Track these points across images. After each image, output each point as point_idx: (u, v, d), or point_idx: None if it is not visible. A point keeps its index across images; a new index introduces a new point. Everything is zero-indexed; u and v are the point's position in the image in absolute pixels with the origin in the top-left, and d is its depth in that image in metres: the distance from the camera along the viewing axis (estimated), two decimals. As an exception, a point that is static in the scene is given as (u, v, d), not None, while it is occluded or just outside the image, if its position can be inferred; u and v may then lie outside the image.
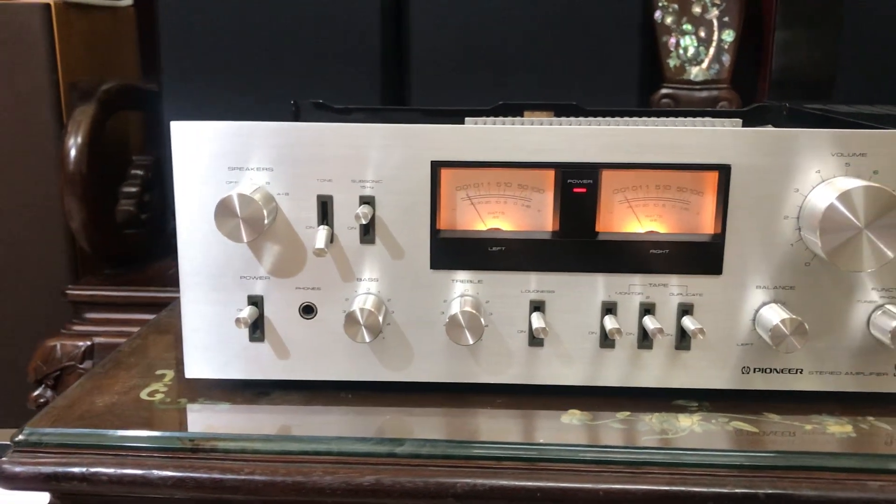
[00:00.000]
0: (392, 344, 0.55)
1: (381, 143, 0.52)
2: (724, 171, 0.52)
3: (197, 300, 0.55)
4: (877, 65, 0.98)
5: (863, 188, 0.49)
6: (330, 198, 0.53)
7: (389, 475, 0.48)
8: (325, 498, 0.48)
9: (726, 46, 1.17)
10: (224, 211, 0.51)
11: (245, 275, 0.54)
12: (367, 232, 0.54)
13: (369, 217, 0.53)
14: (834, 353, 0.54)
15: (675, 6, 1.17)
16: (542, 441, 0.50)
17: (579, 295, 0.54)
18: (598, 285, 0.54)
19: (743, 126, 0.68)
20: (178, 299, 0.56)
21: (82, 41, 1.20)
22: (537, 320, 0.53)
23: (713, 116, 0.71)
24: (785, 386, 0.55)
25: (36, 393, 1.10)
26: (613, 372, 0.55)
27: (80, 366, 1.09)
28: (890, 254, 0.49)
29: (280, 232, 0.54)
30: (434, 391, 0.56)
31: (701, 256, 0.53)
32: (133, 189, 1.19)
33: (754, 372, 0.55)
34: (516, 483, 0.48)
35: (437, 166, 0.53)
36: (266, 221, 0.51)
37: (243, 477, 0.48)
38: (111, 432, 0.51)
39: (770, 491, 0.47)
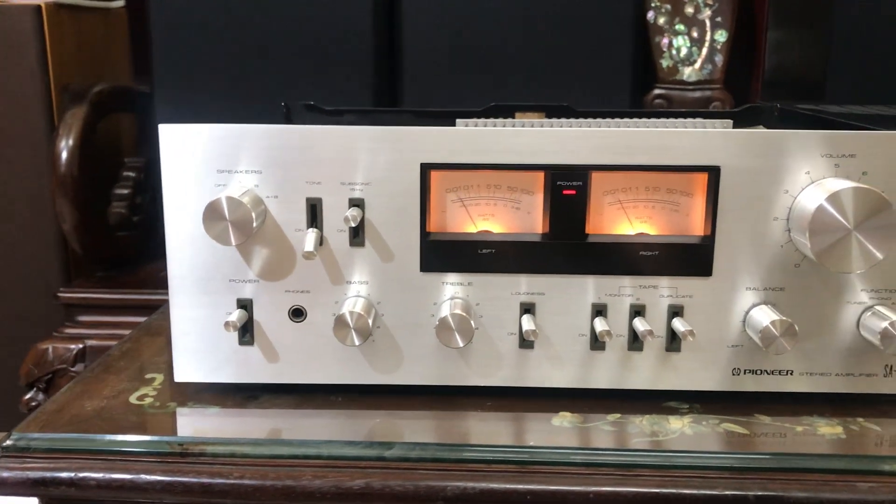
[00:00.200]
0: (382, 347, 0.55)
1: (371, 145, 0.52)
2: (713, 172, 0.52)
3: (186, 304, 0.54)
4: (868, 65, 0.99)
5: (852, 189, 0.49)
6: (319, 200, 0.53)
7: (379, 479, 0.48)
8: (314, 502, 0.48)
9: (719, 47, 1.17)
10: (212, 214, 0.51)
11: (234, 278, 0.54)
12: (357, 234, 0.53)
13: (359, 220, 0.52)
14: (824, 354, 0.54)
15: (668, 7, 1.17)
16: (532, 444, 0.50)
17: (569, 297, 0.54)
18: (589, 287, 0.54)
19: (734, 127, 0.68)
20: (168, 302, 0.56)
21: (74, 43, 1.20)
22: (527, 322, 0.53)
23: (704, 117, 0.71)
24: (775, 387, 0.55)
25: (28, 396, 1.10)
26: (604, 374, 0.55)
27: (73, 369, 1.09)
28: (879, 255, 0.49)
29: (269, 235, 0.53)
30: (424, 394, 0.56)
31: (691, 258, 0.53)
32: (125, 191, 1.19)
33: (745, 373, 0.55)
34: (507, 486, 0.48)
35: (426, 168, 0.53)
36: (255, 224, 0.51)
37: (232, 481, 0.48)
38: (100, 437, 0.51)
39: (760, 493, 0.47)
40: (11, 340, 1.18)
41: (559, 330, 0.55)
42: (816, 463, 0.49)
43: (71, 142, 1.08)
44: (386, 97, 1.14)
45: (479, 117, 0.72)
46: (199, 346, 0.55)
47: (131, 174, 1.20)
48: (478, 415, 0.54)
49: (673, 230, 0.54)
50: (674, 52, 1.18)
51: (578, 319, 0.54)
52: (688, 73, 1.18)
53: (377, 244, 0.54)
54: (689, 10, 1.17)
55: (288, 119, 0.73)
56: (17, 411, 1.10)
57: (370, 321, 0.52)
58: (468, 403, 0.55)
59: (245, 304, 0.54)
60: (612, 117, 0.71)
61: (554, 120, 0.72)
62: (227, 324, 0.53)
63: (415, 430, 0.53)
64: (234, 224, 0.51)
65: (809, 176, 0.52)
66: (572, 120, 0.71)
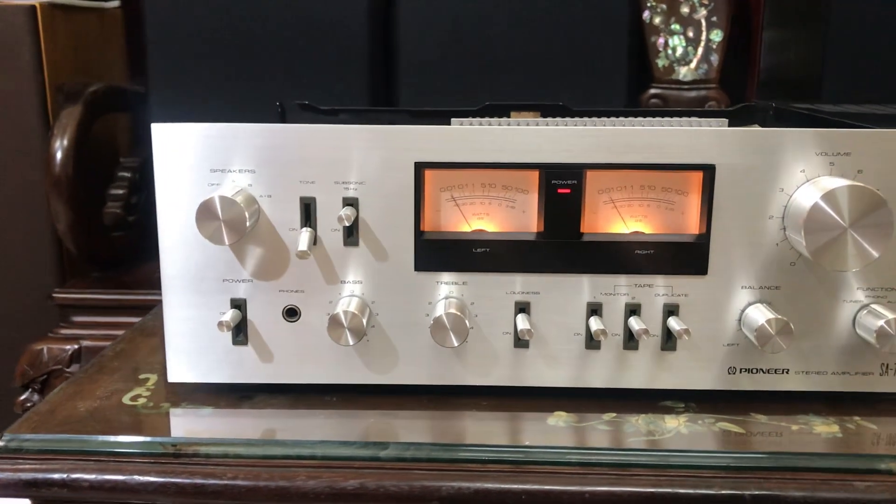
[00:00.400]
0: (376, 346, 0.55)
1: (365, 144, 0.52)
2: (708, 171, 0.52)
3: (179, 304, 0.54)
4: (863, 64, 0.99)
5: (847, 187, 0.49)
6: (313, 200, 0.53)
7: (374, 479, 0.48)
8: (308, 502, 0.48)
9: (714, 46, 1.17)
10: (205, 213, 0.50)
11: (228, 278, 0.54)
12: (351, 234, 0.53)
13: (353, 219, 0.52)
14: (820, 352, 0.54)
15: (664, 6, 1.17)
16: (527, 443, 0.50)
17: (564, 296, 0.54)
18: (584, 286, 0.54)
19: (729, 126, 0.68)
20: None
21: (68, 43, 1.19)
22: (522, 322, 0.53)
23: (700, 116, 0.71)
24: (771, 386, 0.55)
25: (23, 397, 1.09)
26: (599, 373, 0.55)
27: (68, 370, 1.09)
28: (874, 253, 0.49)
29: (263, 234, 0.53)
30: (419, 394, 0.56)
31: (686, 257, 0.53)
32: (120, 191, 1.18)
33: (740, 372, 0.55)
34: (502, 486, 0.47)
35: (420, 167, 0.52)
36: (248, 224, 0.51)
37: (226, 482, 0.48)
38: (92, 438, 0.50)
39: (756, 492, 0.46)
40: (6, 341, 1.17)
41: (554, 329, 0.54)
42: (813, 462, 0.48)
43: (66, 142, 1.07)
44: (381, 97, 1.14)
45: (474, 116, 0.71)
46: (192, 347, 0.55)
47: (126, 174, 1.20)
48: (473, 414, 0.54)
49: (668, 229, 0.54)
50: (669, 51, 1.18)
51: (573, 318, 0.54)
52: (683, 72, 1.18)
53: (371, 243, 0.53)
54: (685, 9, 1.17)
55: (283, 119, 0.73)
56: (12, 412, 1.09)
57: (364, 321, 0.52)
58: (463, 403, 0.55)
59: (239, 304, 0.54)
60: (608, 116, 0.71)
61: (549, 119, 0.71)
62: (220, 324, 0.53)
63: (409, 429, 0.53)
64: (228, 223, 0.50)
65: (804, 174, 0.51)
66: (567, 119, 0.71)
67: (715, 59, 1.17)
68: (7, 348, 1.16)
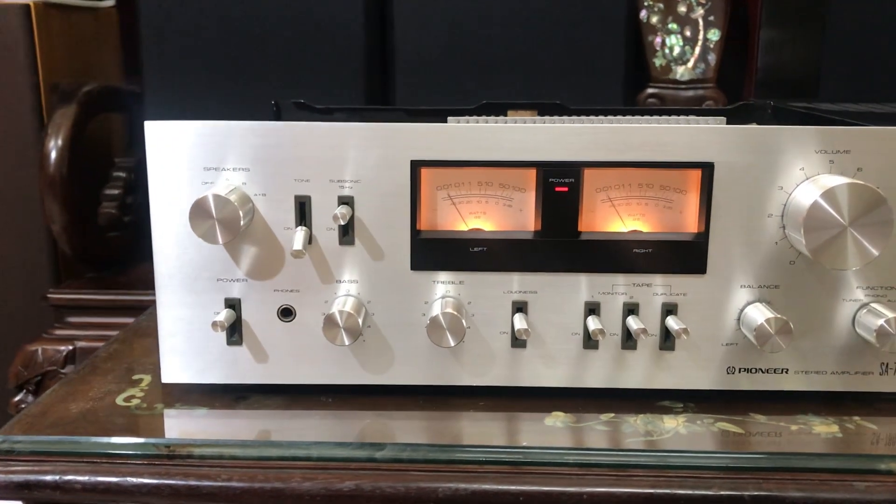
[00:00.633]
0: (372, 346, 0.54)
1: (360, 142, 0.51)
2: (707, 169, 0.51)
3: (173, 303, 0.54)
4: (861, 63, 0.98)
5: (847, 185, 0.48)
6: (308, 198, 0.52)
7: (370, 480, 0.47)
8: (303, 504, 0.47)
9: (712, 45, 1.16)
10: (199, 212, 0.50)
11: (222, 277, 0.53)
12: (347, 233, 0.53)
13: (348, 218, 0.52)
14: (819, 352, 0.54)
15: (661, 5, 1.17)
16: (525, 444, 0.50)
17: (562, 295, 0.53)
18: (581, 285, 0.53)
19: (727, 124, 0.67)
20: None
21: (63, 42, 1.19)
22: (520, 321, 0.52)
23: (697, 115, 0.70)
24: (770, 386, 0.54)
25: (17, 398, 1.09)
26: (597, 373, 0.54)
27: (62, 370, 1.08)
28: (874, 251, 0.49)
29: (257, 233, 0.53)
30: (415, 394, 0.55)
31: (685, 255, 0.53)
32: (115, 191, 1.18)
33: (739, 372, 0.54)
34: (499, 487, 0.47)
35: (416, 166, 0.52)
36: (242, 223, 0.50)
37: (220, 483, 0.47)
38: (85, 439, 0.50)
39: (756, 493, 0.46)
40: (0, 342, 1.17)
41: (552, 329, 0.54)
42: (812, 462, 0.48)
43: (60, 142, 1.07)
44: (378, 96, 1.14)
45: (471, 115, 0.71)
46: (186, 347, 0.54)
47: (121, 174, 1.19)
48: (470, 415, 0.53)
49: (666, 227, 0.53)
50: (667, 50, 1.17)
51: (571, 318, 0.54)
52: (681, 71, 1.18)
53: (367, 242, 0.53)
54: (682, 8, 1.17)
55: (278, 117, 0.72)
56: (7, 413, 1.09)
57: (360, 320, 0.52)
58: (460, 403, 0.54)
59: (233, 304, 0.54)
60: (605, 115, 0.71)
61: (546, 117, 0.71)
62: (214, 324, 0.52)
63: (406, 430, 0.52)
64: (222, 222, 0.50)
65: (804, 172, 0.51)
66: (565, 118, 0.71)
67: (712, 58, 1.17)
68: (1, 349, 1.15)
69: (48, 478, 0.48)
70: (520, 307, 0.54)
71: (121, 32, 1.33)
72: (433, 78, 1.12)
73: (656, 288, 0.53)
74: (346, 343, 0.52)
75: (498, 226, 0.54)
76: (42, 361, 1.08)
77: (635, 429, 0.51)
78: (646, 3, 1.17)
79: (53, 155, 1.06)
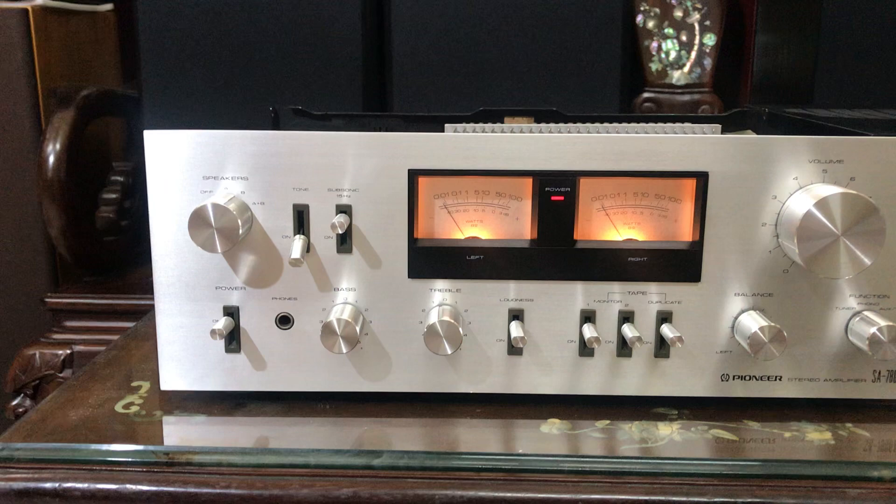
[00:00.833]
0: (370, 354, 0.55)
1: (358, 151, 0.52)
2: (701, 178, 0.52)
3: (172, 311, 0.54)
4: (856, 69, 0.99)
5: (840, 195, 0.49)
6: (306, 207, 0.53)
7: (367, 488, 0.47)
8: (301, 511, 0.47)
9: (707, 50, 1.17)
10: (198, 221, 0.50)
11: (220, 285, 0.54)
12: (344, 241, 0.53)
13: (346, 226, 0.52)
14: (813, 359, 0.54)
15: (657, 10, 1.17)
16: (521, 451, 0.50)
17: (558, 303, 0.54)
18: (577, 293, 0.54)
19: (723, 131, 0.68)
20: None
21: (61, 47, 1.19)
22: (516, 329, 0.53)
23: (693, 121, 0.71)
24: (764, 393, 0.55)
25: (14, 402, 1.09)
26: (593, 380, 0.55)
27: (60, 375, 1.08)
28: (867, 261, 0.49)
29: (256, 242, 0.53)
30: (412, 401, 0.56)
31: (679, 264, 0.53)
32: (113, 195, 1.18)
33: (733, 379, 0.55)
34: (496, 494, 0.47)
35: (414, 174, 0.52)
36: (241, 231, 0.51)
37: (219, 490, 0.48)
38: (84, 446, 0.50)
39: (749, 499, 0.47)
40: (-2, 346, 1.17)
41: (548, 336, 0.54)
42: (806, 469, 0.48)
43: (58, 146, 1.07)
44: (375, 101, 1.14)
45: (468, 122, 0.71)
46: (185, 354, 0.55)
47: (119, 178, 1.19)
48: (466, 422, 0.54)
49: (661, 236, 0.54)
50: (662, 55, 1.18)
51: (567, 326, 0.54)
52: (677, 76, 1.18)
53: (365, 251, 0.53)
54: (678, 13, 1.17)
55: (276, 123, 0.73)
56: (4, 418, 1.09)
57: (358, 328, 0.52)
58: (457, 411, 0.55)
59: (232, 312, 0.54)
60: (601, 122, 0.71)
61: (543, 125, 0.71)
62: (213, 331, 0.52)
63: (403, 437, 0.52)
64: (220, 231, 0.50)
65: (797, 181, 0.51)
66: (561, 125, 0.71)
67: (708, 63, 1.17)
68: (-1, 353, 1.15)
69: (48, 485, 0.48)
70: (516, 315, 0.54)
71: (119, 37, 1.33)
72: (430, 83, 1.13)
73: (651, 296, 0.54)
74: (344, 351, 0.52)
75: (494, 234, 0.54)
76: (40, 365, 1.08)
77: (630, 436, 0.52)
78: (642, 8, 1.17)
79: (51, 159, 1.07)
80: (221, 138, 0.52)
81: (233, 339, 0.54)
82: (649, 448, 0.50)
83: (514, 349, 0.54)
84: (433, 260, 0.54)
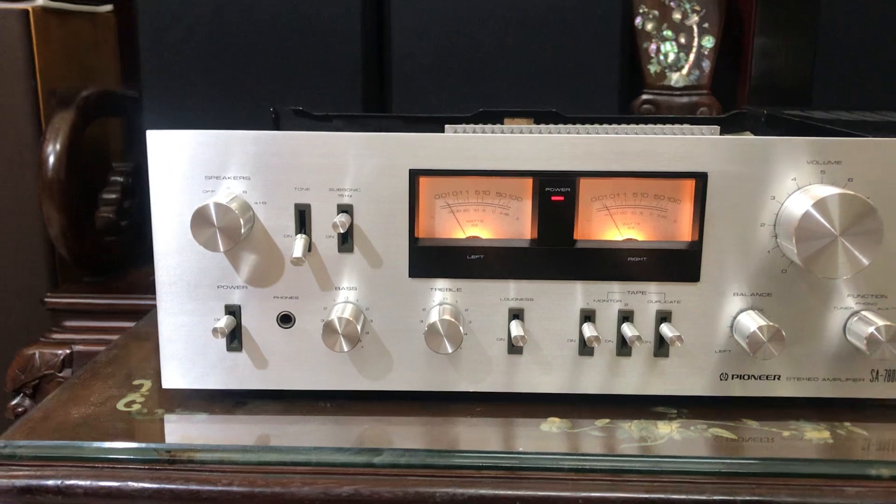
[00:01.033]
0: (371, 353, 0.55)
1: (359, 151, 0.52)
2: (701, 178, 0.52)
3: (173, 310, 0.54)
4: (854, 71, 0.99)
5: (838, 196, 0.49)
6: (308, 206, 0.53)
7: (368, 485, 0.48)
8: (303, 509, 0.48)
9: (706, 53, 1.17)
10: (200, 220, 0.50)
11: (222, 284, 0.54)
12: (346, 240, 0.53)
13: (347, 226, 0.52)
14: (811, 359, 0.55)
15: (656, 13, 1.18)
16: (521, 449, 0.50)
17: (558, 303, 0.54)
18: (577, 293, 0.54)
19: (721, 133, 0.68)
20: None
21: (61, 47, 1.19)
22: (516, 328, 0.53)
23: (692, 123, 0.71)
24: (763, 392, 0.55)
25: (14, 402, 1.09)
26: (592, 379, 0.55)
27: (59, 374, 1.08)
28: (865, 261, 0.50)
29: (257, 241, 0.53)
30: (413, 400, 0.56)
31: (678, 264, 0.53)
32: (113, 196, 1.18)
33: (732, 378, 0.55)
34: (496, 492, 0.48)
35: (415, 174, 0.53)
36: (243, 230, 0.51)
37: (221, 488, 0.48)
38: (86, 444, 0.50)
39: (748, 497, 0.47)
40: (-3, 346, 1.17)
41: (548, 335, 0.55)
42: (804, 468, 0.49)
43: (58, 146, 1.07)
44: (375, 102, 1.14)
45: (468, 123, 0.72)
46: (186, 353, 0.55)
47: (119, 179, 1.19)
48: (467, 420, 0.54)
49: (661, 236, 0.54)
50: (661, 57, 1.18)
51: (567, 325, 0.54)
52: (675, 78, 1.19)
53: (366, 250, 0.54)
54: (677, 16, 1.18)
55: (277, 124, 0.73)
56: (4, 417, 1.09)
57: (359, 327, 0.52)
58: (457, 409, 0.55)
59: (233, 311, 0.54)
60: (600, 123, 0.71)
61: (542, 126, 0.72)
62: (215, 330, 0.53)
63: (404, 436, 0.53)
64: (223, 230, 0.51)
65: (796, 182, 0.52)
66: (560, 126, 0.71)
67: (706, 65, 1.18)
68: (-2, 353, 1.15)
69: (50, 482, 0.48)
70: (516, 314, 0.54)
71: (119, 37, 1.34)
72: (430, 84, 1.13)
73: (651, 295, 0.54)
74: (345, 349, 0.52)
75: (495, 234, 0.54)
76: (39, 365, 1.09)
77: (630, 434, 0.52)
78: (641, 11, 1.18)
79: (51, 159, 1.07)
80: (223, 138, 0.52)
81: (234, 338, 0.55)
82: (649, 447, 0.51)
83: (514, 348, 0.55)
84: (434, 259, 0.54)
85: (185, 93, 1.11)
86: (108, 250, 1.17)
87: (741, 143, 0.52)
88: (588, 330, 0.53)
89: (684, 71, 1.18)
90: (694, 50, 1.18)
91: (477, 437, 0.52)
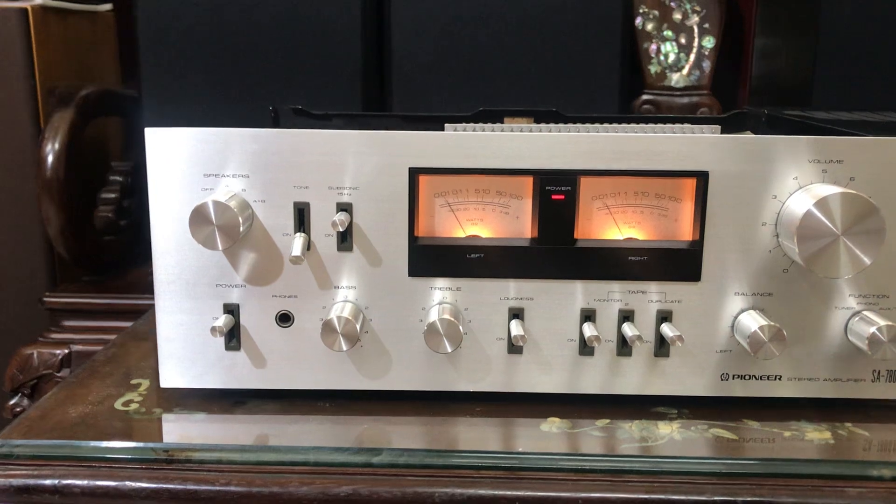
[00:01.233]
0: (370, 352, 0.55)
1: (359, 149, 0.52)
2: (702, 177, 0.52)
3: (172, 308, 0.54)
4: (855, 72, 0.99)
5: (840, 195, 0.49)
6: (307, 205, 0.53)
7: (367, 485, 0.47)
8: (301, 509, 0.47)
9: (706, 53, 1.17)
10: (199, 218, 0.50)
11: (221, 283, 0.54)
12: (345, 239, 0.53)
13: (347, 224, 0.52)
14: (812, 359, 0.54)
15: (656, 13, 1.17)
16: (521, 449, 0.50)
17: (558, 302, 0.54)
18: (577, 292, 0.54)
19: (722, 132, 0.68)
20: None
21: (61, 46, 1.19)
22: (516, 328, 0.53)
23: (692, 123, 0.71)
24: (764, 392, 0.55)
25: (12, 402, 1.09)
26: (593, 379, 0.55)
27: (58, 374, 1.08)
28: (867, 260, 0.49)
29: (256, 239, 0.53)
30: (412, 399, 0.56)
31: (679, 263, 0.53)
32: (112, 195, 1.18)
33: (733, 378, 0.55)
34: (495, 492, 0.47)
35: (415, 173, 0.52)
36: (241, 229, 0.51)
37: (219, 488, 0.48)
38: (84, 443, 0.50)
39: (749, 498, 0.47)
40: (-5, 346, 1.17)
41: (548, 335, 0.54)
42: (805, 468, 0.49)
43: (57, 145, 1.07)
44: (375, 101, 1.14)
45: (467, 122, 0.71)
46: (185, 352, 0.55)
47: (118, 178, 1.19)
48: (466, 420, 0.54)
49: (661, 235, 0.54)
50: (662, 57, 1.18)
51: (567, 324, 0.54)
52: (676, 78, 1.18)
53: (365, 249, 0.53)
54: (677, 16, 1.17)
55: (276, 123, 0.73)
56: (2, 417, 1.09)
57: (358, 326, 0.52)
58: (456, 409, 0.55)
59: (232, 309, 0.54)
60: (601, 122, 0.71)
61: (542, 125, 0.71)
62: (213, 329, 0.52)
63: (403, 436, 0.52)
64: (221, 228, 0.50)
65: (797, 181, 0.52)
66: (561, 125, 0.71)
67: (707, 65, 1.17)
68: (-4, 352, 1.15)
69: (47, 482, 0.48)
70: (516, 314, 0.54)
71: (118, 36, 1.33)
72: (429, 83, 1.13)
73: (651, 295, 0.54)
74: (344, 349, 0.52)
75: (495, 233, 0.54)
76: (38, 365, 1.08)
77: (630, 434, 0.52)
78: (641, 11, 1.17)
79: (50, 158, 1.06)
80: (223, 136, 0.52)
81: (233, 337, 0.54)
82: (649, 447, 0.51)
83: (514, 348, 0.55)
84: (433, 258, 0.54)
85: (184, 92, 1.11)
86: (107, 250, 1.17)
87: (742, 141, 0.52)
88: (588, 329, 0.53)
89: (685, 71, 1.18)
90: (694, 50, 1.17)
91: (476, 437, 0.52)
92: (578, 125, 0.71)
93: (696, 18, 1.17)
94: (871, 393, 0.55)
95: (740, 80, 1.23)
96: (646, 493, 0.47)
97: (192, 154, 0.52)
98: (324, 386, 0.55)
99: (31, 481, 0.48)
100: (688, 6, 1.17)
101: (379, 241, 0.53)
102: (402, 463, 0.49)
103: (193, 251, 0.53)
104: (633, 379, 0.55)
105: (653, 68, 1.19)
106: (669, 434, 0.52)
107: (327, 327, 0.52)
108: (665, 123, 0.70)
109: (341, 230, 0.52)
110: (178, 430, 0.53)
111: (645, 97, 1.19)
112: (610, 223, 0.54)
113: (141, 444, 0.50)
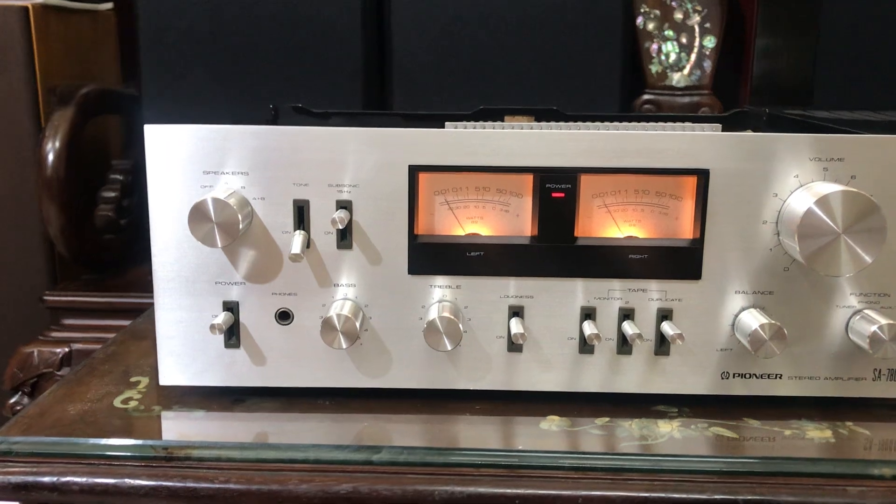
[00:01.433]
0: (370, 350, 0.55)
1: (359, 147, 0.52)
2: (702, 175, 0.52)
3: (171, 306, 0.54)
4: (856, 71, 0.99)
5: (841, 193, 0.49)
6: (306, 202, 0.53)
7: (367, 483, 0.47)
8: (300, 506, 0.47)
9: (707, 52, 1.17)
10: (198, 215, 0.50)
11: (220, 280, 0.53)
12: (345, 237, 0.53)
13: (346, 222, 0.52)
14: (813, 357, 0.54)
15: (657, 12, 1.17)
16: (521, 447, 0.50)
17: (558, 300, 0.54)
18: (577, 290, 0.54)
19: (723, 131, 0.68)
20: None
21: (61, 45, 1.19)
22: (516, 326, 0.53)
23: (693, 122, 0.71)
24: (764, 391, 0.55)
25: (12, 401, 1.08)
26: (593, 377, 0.55)
27: (58, 373, 1.08)
28: (868, 258, 0.49)
29: (256, 237, 0.53)
30: (412, 397, 0.55)
31: (680, 261, 0.53)
32: (112, 194, 1.18)
33: (734, 377, 0.55)
34: (495, 490, 0.47)
35: (414, 171, 0.52)
36: (241, 226, 0.51)
37: (218, 485, 0.48)
38: (83, 440, 0.50)
39: (749, 497, 0.46)
40: (-5, 344, 1.16)
41: (548, 333, 0.54)
42: (805, 467, 0.48)
43: (57, 144, 1.07)
44: (375, 100, 1.14)
45: (468, 120, 0.71)
46: (184, 349, 0.55)
47: (118, 177, 1.19)
48: (466, 418, 0.54)
49: (662, 233, 0.54)
50: (663, 57, 1.18)
51: (567, 323, 0.54)
52: (677, 78, 1.18)
53: (365, 246, 0.53)
54: (678, 15, 1.17)
55: (276, 121, 0.73)
56: (2, 415, 1.09)
57: (358, 324, 0.52)
58: (456, 407, 0.55)
59: (231, 307, 0.54)
60: (601, 121, 0.71)
61: (543, 123, 0.71)
62: (212, 326, 0.52)
63: (403, 433, 0.52)
64: (221, 226, 0.50)
65: (798, 179, 0.52)
66: (561, 123, 0.71)
67: (708, 65, 1.17)
68: (-4, 351, 1.15)
69: (46, 479, 0.48)
70: (516, 312, 0.54)
71: (119, 35, 1.33)
72: (430, 82, 1.13)
73: (652, 293, 0.54)
74: (344, 346, 0.52)
75: (495, 231, 0.54)
76: (38, 363, 1.08)
77: (630, 433, 0.52)
78: (642, 10, 1.17)
79: (51, 157, 1.06)
80: (222, 133, 0.52)
81: (232, 335, 0.54)
82: (649, 445, 0.50)
83: (514, 346, 0.54)
84: (433, 256, 0.53)
85: (184, 91, 1.11)
86: (108, 248, 1.17)
87: (743, 139, 0.52)
88: (588, 328, 0.53)
89: (686, 71, 1.18)
90: (695, 50, 1.17)
91: (476, 435, 0.52)
92: (579, 123, 0.71)
93: (697, 18, 1.17)
94: (871, 392, 0.55)
95: (741, 79, 1.23)
96: (646, 492, 0.47)
97: (191, 151, 0.52)
98: (323, 384, 0.55)
99: (30, 478, 0.48)
100: (689, 6, 1.17)
101: (379, 239, 0.53)
102: (403, 461, 0.49)
103: (193, 248, 0.53)
104: (633, 377, 0.55)
105: (654, 68, 1.18)
106: (669, 432, 0.52)
107: (327, 325, 0.52)
108: (666, 122, 0.70)
109: (341, 228, 0.52)
110: (177, 427, 0.53)
111: (646, 97, 1.19)
112: (610, 221, 0.54)
113: (140, 442, 0.50)
